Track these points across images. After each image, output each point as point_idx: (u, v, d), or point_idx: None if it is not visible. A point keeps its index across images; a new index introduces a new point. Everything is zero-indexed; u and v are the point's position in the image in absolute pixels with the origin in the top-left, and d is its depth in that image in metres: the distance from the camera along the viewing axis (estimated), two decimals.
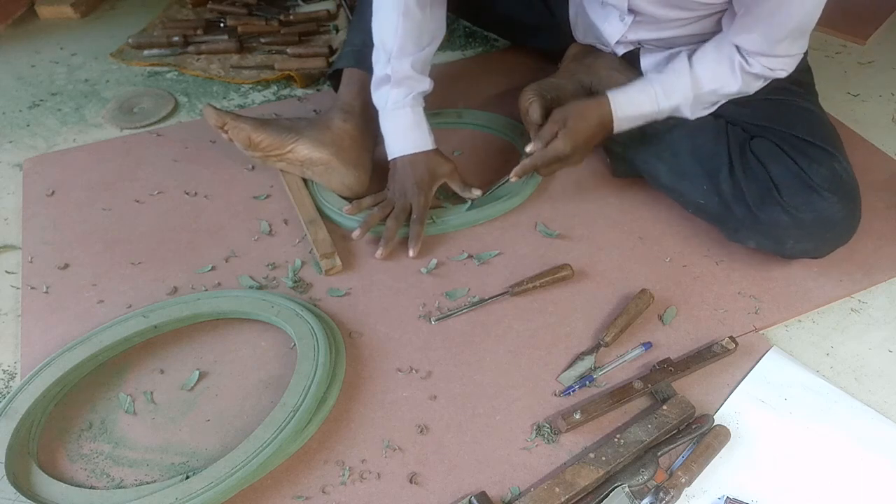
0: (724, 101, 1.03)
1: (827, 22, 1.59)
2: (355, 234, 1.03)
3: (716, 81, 0.99)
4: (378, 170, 1.13)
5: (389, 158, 1.08)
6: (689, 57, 1.00)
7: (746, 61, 0.96)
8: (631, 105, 1.01)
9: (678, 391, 0.83)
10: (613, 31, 1.08)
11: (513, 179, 1.03)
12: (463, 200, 1.10)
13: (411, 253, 1.01)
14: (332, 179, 1.10)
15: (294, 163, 1.10)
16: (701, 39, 1.04)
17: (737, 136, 1.00)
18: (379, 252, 1.01)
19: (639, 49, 1.12)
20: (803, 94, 1.04)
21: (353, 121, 1.10)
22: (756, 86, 1.00)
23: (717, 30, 1.02)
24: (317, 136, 1.08)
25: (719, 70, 0.98)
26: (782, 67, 0.97)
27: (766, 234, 0.96)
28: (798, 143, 0.96)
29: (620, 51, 1.14)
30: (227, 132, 1.08)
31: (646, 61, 1.11)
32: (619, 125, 1.01)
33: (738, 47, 0.96)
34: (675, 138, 1.03)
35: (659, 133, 1.04)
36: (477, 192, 1.08)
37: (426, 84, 1.07)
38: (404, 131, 1.06)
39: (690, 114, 1.02)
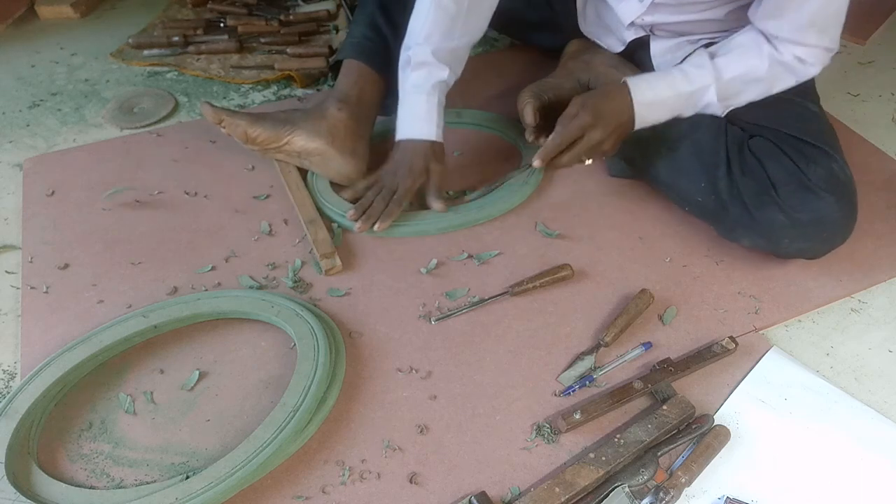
0: (755, 96, 0.99)
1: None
2: (350, 213, 1.04)
3: (740, 66, 0.96)
4: (375, 157, 1.13)
5: (395, 140, 1.09)
6: (710, 53, 0.98)
7: (776, 49, 0.95)
8: (650, 89, 0.97)
9: (678, 391, 0.83)
10: (629, 11, 1.06)
11: (536, 164, 0.97)
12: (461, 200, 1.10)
13: (376, 226, 1.02)
14: (328, 168, 1.11)
15: (291, 154, 1.11)
16: (717, 28, 1.03)
17: (735, 134, 1.00)
18: (357, 225, 1.02)
19: (646, 38, 1.11)
20: (804, 93, 1.04)
21: (349, 109, 1.11)
22: (786, 80, 0.97)
23: (735, 18, 1.01)
24: (312, 127, 1.09)
25: (744, 55, 0.96)
26: (813, 61, 0.95)
27: (762, 233, 0.95)
28: (796, 143, 0.96)
29: (629, 36, 1.12)
30: (224, 128, 1.09)
31: (656, 47, 1.10)
32: (641, 112, 0.97)
33: (766, 36, 0.95)
34: (674, 135, 1.02)
35: (657, 129, 1.04)
36: (438, 206, 1.05)
37: (445, 73, 1.06)
38: (415, 117, 1.06)
39: (720, 107, 0.99)
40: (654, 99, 0.97)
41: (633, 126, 0.99)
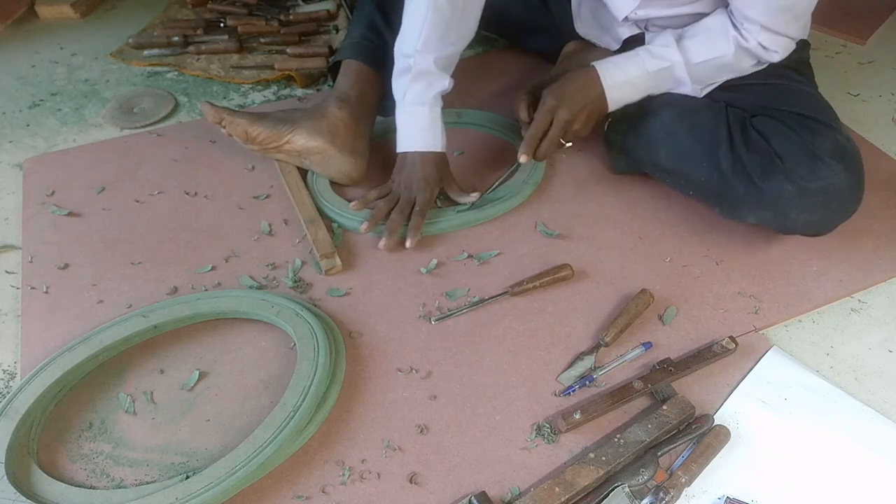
0: (724, 78, 1.03)
1: (827, 22, 1.60)
2: (363, 227, 1.03)
3: (708, 51, 0.99)
4: (375, 157, 1.13)
5: (398, 151, 1.08)
6: (675, 36, 1.02)
7: (742, 35, 0.97)
8: (617, 69, 1.02)
9: (678, 391, 0.83)
10: (624, 6, 1.07)
11: (522, 160, 1.02)
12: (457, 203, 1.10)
13: (408, 244, 1.01)
14: (329, 167, 1.10)
15: (291, 153, 1.11)
16: None
17: (737, 115, 1.00)
18: (382, 243, 1.01)
19: (640, 35, 1.12)
20: (804, 81, 1.05)
21: (348, 108, 1.11)
22: (748, 64, 1.01)
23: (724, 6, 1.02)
24: (312, 126, 1.08)
25: (712, 39, 0.99)
26: (776, 49, 0.98)
27: (769, 206, 0.95)
28: (799, 119, 0.97)
29: (625, 33, 1.13)
30: (224, 127, 1.09)
31: (649, 40, 1.11)
32: (612, 93, 1.02)
33: (735, 21, 0.97)
34: (672, 118, 1.03)
35: (655, 114, 1.04)
36: (474, 196, 1.08)
37: (446, 82, 1.06)
38: (419, 129, 1.06)
39: (692, 89, 1.03)
40: (624, 79, 1.02)
41: (606, 107, 1.04)
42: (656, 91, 1.04)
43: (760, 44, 0.97)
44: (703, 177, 1.00)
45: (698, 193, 1.05)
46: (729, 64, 1.00)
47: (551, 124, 1.02)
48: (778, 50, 0.98)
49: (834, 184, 0.91)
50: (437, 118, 1.06)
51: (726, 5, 1.01)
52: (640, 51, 1.03)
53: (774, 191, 0.93)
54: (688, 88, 1.03)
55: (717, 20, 1.00)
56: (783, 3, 0.93)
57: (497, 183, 1.10)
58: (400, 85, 1.07)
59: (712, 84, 1.05)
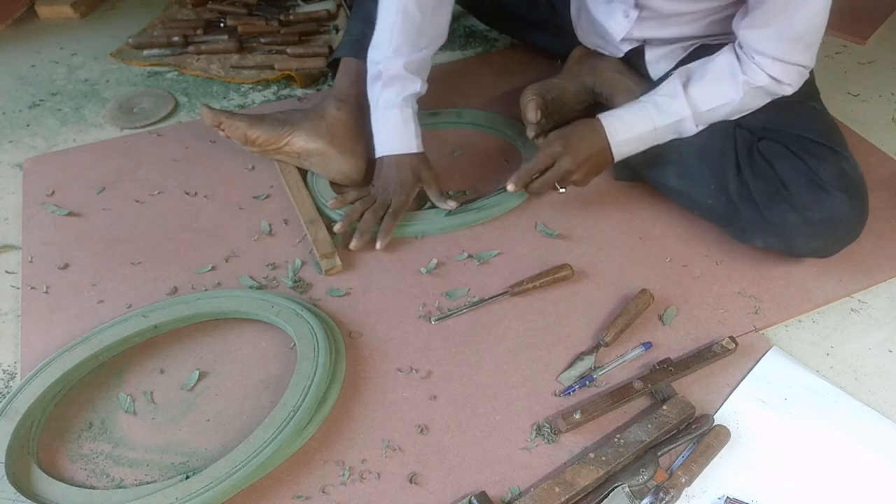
0: (732, 118, 1.00)
1: (827, 22, 1.59)
2: (336, 227, 1.03)
3: (715, 98, 0.98)
4: (374, 157, 1.13)
5: (376, 156, 1.08)
6: (683, 80, 0.99)
7: (749, 74, 0.95)
8: (624, 127, 1.00)
9: (678, 391, 0.83)
10: (618, 27, 1.08)
11: (510, 188, 1.00)
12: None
13: (378, 245, 1.02)
14: (329, 168, 1.10)
15: (291, 155, 1.11)
16: (708, 32, 1.03)
17: (744, 137, 0.99)
18: (353, 243, 1.02)
19: (642, 46, 1.12)
20: (806, 93, 1.04)
21: (347, 109, 1.11)
22: (759, 102, 0.99)
23: (722, 31, 1.01)
24: (311, 127, 1.09)
25: (718, 84, 0.97)
26: (789, 80, 0.96)
27: (775, 233, 0.95)
28: (805, 143, 0.96)
29: (625, 47, 1.13)
30: (223, 130, 1.09)
31: (650, 55, 1.11)
32: (618, 148, 1.00)
33: (743, 58, 0.95)
34: (682, 141, 1.02)
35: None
36: (452, 204, 1.07)
37: (418, 85, 1.06)
38: (392, 132, 1.06)
39: (696, 130, 1.01)
40: (630, 136, 1.00)
41: (610, 160, 1.02)
42: (662, 141, 1.02)
43: (773, 77, 0.95)
44: (710, 199, 1.00)
45: (704, 214, 1.04)
46: (737, 109, 0.99)
47: (551, 167, 1.00)
48: (791, 82, 0.96)
49: (838, 214, 0.91)
50: (409, 119, 1.05)
51: (723, 28, 1.00)
52: (647, 104, 1.00)
53: (779, 219, 0.93)
54: (692, 133, 1.01)
55: (726, 63, 0.97)
56: (794, 32, 0.91)
57: (479, 202, 1.08)
58: (373, 92, 1.07)
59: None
